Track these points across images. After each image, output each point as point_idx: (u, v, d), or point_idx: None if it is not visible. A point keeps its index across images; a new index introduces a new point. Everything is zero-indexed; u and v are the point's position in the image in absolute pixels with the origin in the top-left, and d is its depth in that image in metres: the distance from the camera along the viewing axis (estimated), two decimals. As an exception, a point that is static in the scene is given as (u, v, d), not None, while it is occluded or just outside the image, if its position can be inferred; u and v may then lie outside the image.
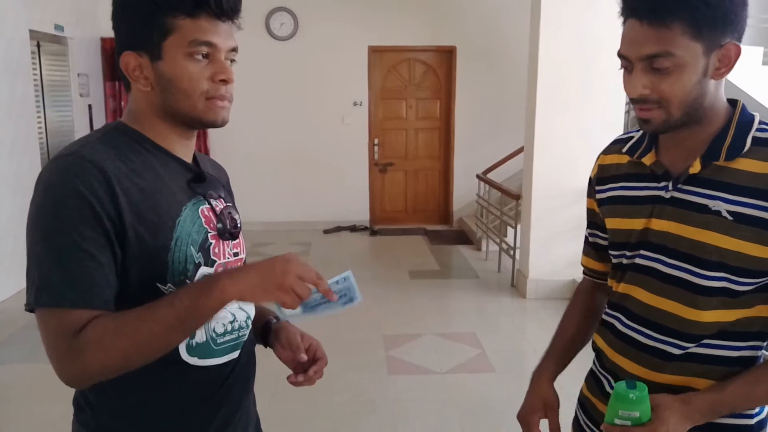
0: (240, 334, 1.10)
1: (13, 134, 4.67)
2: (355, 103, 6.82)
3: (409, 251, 6.08)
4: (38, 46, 5.10)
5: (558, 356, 1.30)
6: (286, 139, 6.79)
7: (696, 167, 1.04)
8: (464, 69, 6.78)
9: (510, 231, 5.22)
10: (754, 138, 1.02)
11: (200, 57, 0.98)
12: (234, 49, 1.02)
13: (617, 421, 0.97)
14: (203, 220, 1.04)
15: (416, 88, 6.95)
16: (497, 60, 6.65)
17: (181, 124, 1.03)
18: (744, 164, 1.01)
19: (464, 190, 6.90)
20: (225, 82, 1.00)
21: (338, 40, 6.63)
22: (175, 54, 0.97)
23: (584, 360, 1.30)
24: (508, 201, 5.42)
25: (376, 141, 6.99)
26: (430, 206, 7.23)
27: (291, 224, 6.85)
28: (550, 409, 1.24)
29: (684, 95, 0.99)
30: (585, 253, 1.33)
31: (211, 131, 6.58)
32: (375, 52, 6.75)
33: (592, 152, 1.22)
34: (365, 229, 6.94)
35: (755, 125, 1.04)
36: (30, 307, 0.91)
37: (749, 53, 4.69)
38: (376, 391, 3.18)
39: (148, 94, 1.00)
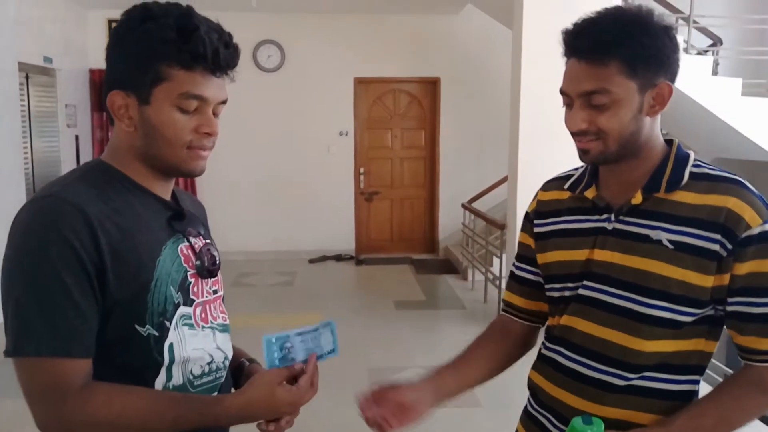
0: (218, 375, 1.08)
1: (-1, 164, 4.65)
2: (341, 133, 6.86)
3: (395, 281, 6.05)
4: (27, 77, 5.13)
5: (445, 381, 1.26)
6: (272, 168, 6.79)
7: (638, 198, 1.08)
8: (448, 99, 6.86)
9: (495, 261, 5.22)
10: (690, 173, 1.07)
11: (190, 109, 0.97)
12: (223, 102, 1.02)
13: None
14: (182, 258, 1.03)
15: (401, 118, 7.01)
16: (481, 90, 6.74)
17: (158, 169, 1.02)
18: (682, 196, 1.05)
19: (450, 219, 6.92)
20: (209, 135, 1.00)
21: (324, 72, 6.69)
22: (163, 102, 0.96)
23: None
24: (494, 230, 5.44)
25: (361, 170, 7.01)
26: (415, 235, 7.23)
27: (276, 254, 6.81)
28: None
29: (620, 129, 1.04)
30: (508, 288, 1.33)
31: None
32: (360, 83, 6.81)
33: None
34: (351, 258, 6.91)
35: (691, 161, 1.09)
36: (8, 354, 0.89)
37: (728, 84, 4.80)
38: (362, 426, 3.12)
39: (131, 134, 1.00)
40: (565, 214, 1.18)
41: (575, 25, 1.06)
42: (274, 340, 1.01)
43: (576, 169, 1.22)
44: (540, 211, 1.24)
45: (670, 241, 1.03)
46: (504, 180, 5.59)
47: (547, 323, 1.23)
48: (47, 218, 0.89)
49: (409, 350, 4.19)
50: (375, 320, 4.78)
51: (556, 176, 1.27)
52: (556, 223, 1.19)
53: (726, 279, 1.01)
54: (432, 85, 6.90)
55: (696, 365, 1.08)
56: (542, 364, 1.21)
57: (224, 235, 6.65)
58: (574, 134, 1.09)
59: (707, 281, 1.01)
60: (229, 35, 1.00)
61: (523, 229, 1.28)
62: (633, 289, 1.06)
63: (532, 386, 1.23)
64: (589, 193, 1.15)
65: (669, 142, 1.12)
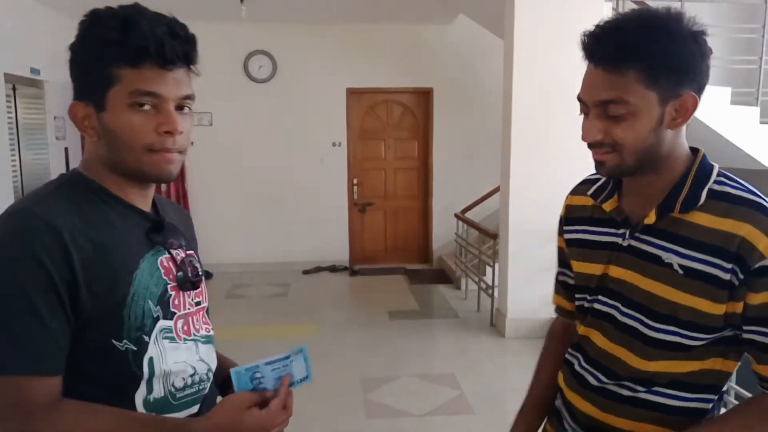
0: (200, 387, 1.06)
1: (-14, 177, 4.62)
2: (333, 144, 6.86)
3: (389, 291, 6.03)
4: (14, 89, 5.09)
5: (532, 415, 1.30)
6: (264, 179, 6.78)
7: (651, 218, 1.04)
8: (441, 110, 6.88)
9: (489, 270, 5.22)
10: (710, 190, 1.01)
11: (145, 108, 0.94)
12: (188, 97, 0.98)
13: None
14: (162, 271, 1.01)
15: (394, 129, 7.03)
16: (474, 100, 6.76)
17: (127, 177, 0.99)
18: (698, 218, 1.00)
19: (443, 229, 6.92)
20: (170, 133, 0.96)
21: (316, 82, 6.70)
22: (117, 105, 0.94)
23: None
24: (487, 240, 5.44)
25: (355, 181, 7.01)
26: (409, 245, 7.22)
27: (270, 265, 6.78)
28: None
29: (637, 142, 0.99)
30: (556, 291, 1.34)
31: (189, 172, 6.57)
32: (353, 93, 6.83)
33: (567, 192, 1.26)
34: (345, 269, 6.89)
35: (713, 177, 1.03)
36: None
37: (717, 93, 4.83)
38: (354, 437, 3.10)
39: (96, 144, 0.98)
40: (587, 224, 1.17)
41: (596, 27, 0.99)
42: (243, 371, 0.99)
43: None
44: (568, 217, 1.23)
45: (681, 266, 1.00)
46: (497, 190, 5.61)
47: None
48: (16, 235, 0.87)
49: (403, 359, 4.17)
50: (369, 330, 4.75)
51: (585, 178, 1.23)
52: (578, 232, 1.19)
53: (739, 307, 0.98)
54: (425, 96, 6.93)
55: (712, 384, 1.06)
56: (564, 365, 1.22)
57: (218, 247, 6.71)
58: (589, 145, 1.04)
59: (719, 309, 0.98)
60: (181, 26, 0.96)
61: (558, 233, 1.28)
62: (641, 310, 1.04)
63: (559, 383, 1.24)
64: (608, 206, 1.11)
65: (696, 151, 1.06)
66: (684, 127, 1.02)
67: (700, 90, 0.99)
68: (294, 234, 6.87)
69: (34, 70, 5.34)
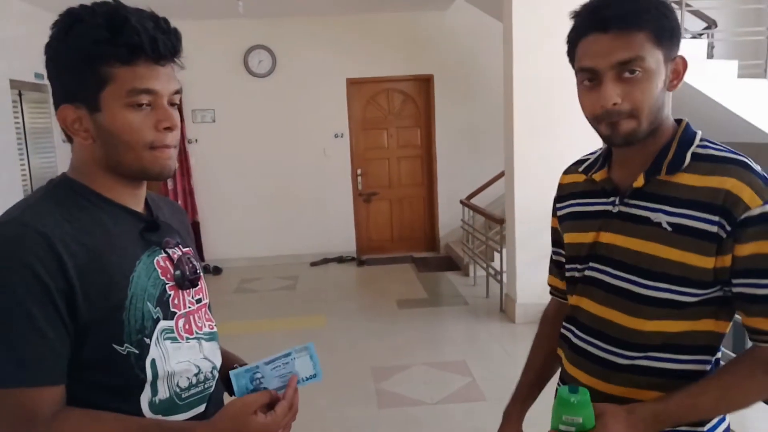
0: (206, 386, 1.06)
1: (-4, 182, 4.67)
2: (336, 135, 6.85)
3: (397, 280, 6.04)
4: (20, 94, 5.15)
5: (525, 393, 1.33)
6: (269, 173, 6.78)
7: (639, 181, 1.08)
8: (442, 96, 6.84)
9: (496, 255, 5.21)
10: (693, 153, 1.05)
11: (142, 106, 0.92)
12: (177, 92, 0.97)
13: (561, 427, 0.97)
14: (159, 271, 1.00)
15: (396, 118, 7.00)
16: (474, 86, 6.72)
17: (125, 176, 0.98)
18: (684, 178, 1.04)
19: (449, 216, 6.91)
20: (170, 129, 0.95)
21: (316, 74, 6.68)
22: (113, 105, 0.92)
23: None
24: (494, 225, 5.43)
25: (359, 171, 7.00)
26: (416, 234, 7.22)
27: (277, 258, 6.80)
28: None
29: (652, 104, 1.03)
30: (549, 272, 1.38)
31: (195, 170, 6.58)
32: (353, 83, 6.80)
33: None
34: (352, 259, 6.90)
35: (696, 141, 1.07)
36: None
37: (725, 67, 4.77)
38: (367, 426, 3.11)
39: (90, 147, 0.96)
40: (579, 197, 1.20)
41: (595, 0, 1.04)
42: (242, 373, 0.98)
43: (593, 152, 1.24)
44: (560, 195, 1.28)
45: (669, 223, 1.03)
46: (501, 174, 5.58)
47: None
48: (8, 245, 0.86)
49: (413, 348, 4.18)
50: (378, 320, 4.76)
51: (577, 160, 1.28)
52: (570, 206, 1.23)
53: (728, 260, 1.00)
54: (425, 83, 6.89)
55: (705, 345, 1.07)
56: (560, 340, 1.25)
57: (225, 243, 6.73)
58: (600, 115, 1.04)
59: (708, 263, 1.00)
60: (165, 20, 0.95)
61: (552, 214, 1.32)
62: (633, 270, 1.07)
63: (559, 358, 1.26)
64: (598, 176, 1.16)
65: (679, 122, 1.11)
66: (670, 94, 1.07)
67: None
68: (300, 227, 6.88)
69: (38, 75, 5.36)
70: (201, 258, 6.44)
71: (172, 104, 0.97)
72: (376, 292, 5.69)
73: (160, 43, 0.91)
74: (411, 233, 7.21)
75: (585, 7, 1.05)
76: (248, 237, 6.81)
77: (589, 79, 1.05)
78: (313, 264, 6.75)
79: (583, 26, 1.04)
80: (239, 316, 4.97)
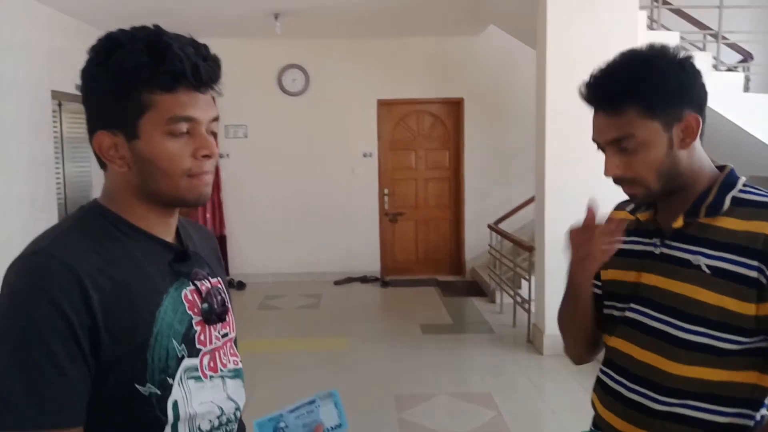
0: (228, 428, 1.01)
1: (31, 190, 4.78)
2: (364, 155, 6.86)
3: (421, 303, 5.98)
4: (59, 105, 5.28)
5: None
6: (297, 190, 6.82)
7: (679, 222, 1.10)
8: (472, 119, 6.82)
9: (524, 283, 5.13)
10: (734, 198, 1.07)
11: (182, 133, 0.91)
12: (215, 119, 0.95)
13: None
14: (187, 306, 0.96)
15: (425, 139, 6.99)
16: (505, 110, 6.69)
17: (160, 204, 0.96)
18: (724, 222, 1.06)
19: (476, 240, 6.85)
20: (208, 157, 0.93)
21: (348, 95, 6.72)
22: (153, 132, 0.90)
23: None
24: (522, 252, 5.35)
25: (386, 191, 6.99)
26: (441, 256, 7.16)
27: (302, 275, 6.80)
28: None
29: (655, 169, 1.06)
30: None
31: (225, 183, 6.64)
32: (384, 104, 6.82)
33: (604, 203, 1.29)
34: (376, 280, 6.87)
35: (738, 186, 1.09)
36: None
37: (761, 100, 4.69)
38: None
39: (125, 174, 0.93)
40: (624, 235, 1.21)
41: (590, 77, 1.10)
42: (266, 422, 0.94)
43: None
44: None
45: (708, 266, 1.04)
46: (531, 200, 5.51)
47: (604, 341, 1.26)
48: (33, 278, 0.84)
49: (437, 376, 4.11)
50: (401, 345, 4.71)
51: (627, 199, 1.30)
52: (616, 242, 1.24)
53: None
54: (455, 106, 6.88)
55: (748, 398, 1.05)
56: (596, 385, 1.24)
57: (250, 257, 6.76)
58: (614, 180, 1.12)
59: (748, 309, 0.99)
60: (205, 47, 0.92)
61: None
62: (671, 313, 1.07)
63: (593, 405, 1.25)
64: (643, 216, 1.18)
65: (723, 168, 1.13)
66: (696, 145, 1.09)
67: (701, 108, 1.08)
68: (325, 244, 6.88)
69: (78, 87, 5.51)
70: (226, 272, 6.45)
71: (210, 131, 0.95)
72: (399, 315, 5.64)
73: (202, 70, 0.90)
74: (436, 255, 7.16)
75: (585, 83, 1.11)
76: (274, 252, 6.83)
77: (598, 148, 1.13)
78: (337, 283, 6.73)
79: (585, 102, 1.11)
80: (261, 333, 4.96)
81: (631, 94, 1.04)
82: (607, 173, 1.10)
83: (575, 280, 1.19)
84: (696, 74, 1.07)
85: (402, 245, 7.14)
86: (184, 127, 0.90)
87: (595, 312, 1.25)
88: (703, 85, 1.08)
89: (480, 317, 5.54)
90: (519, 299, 5.14)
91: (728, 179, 1.09)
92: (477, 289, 6.48)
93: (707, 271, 1.03)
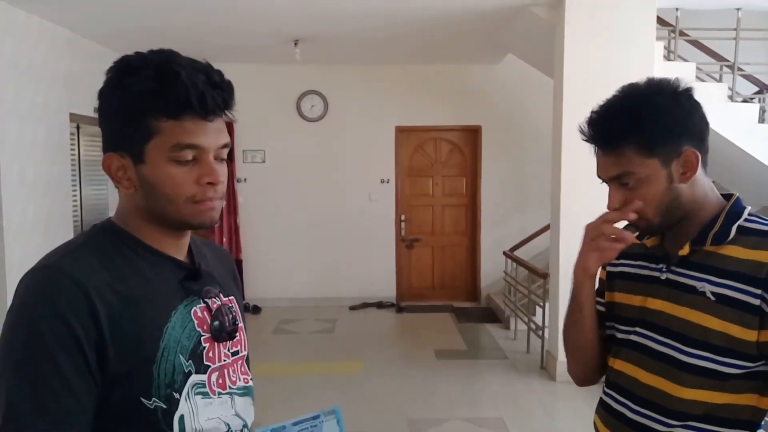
0: None
1: (48, 212, 4.82)
2: (382, 181, 6.93)
3: (436, 329, 5.97)
4: (78, 127, 5.36)
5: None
6: (314, 215, 6.89)
7: (685, 250, 1.12)
8: (490, 147, 6.87)
9: (538, 310, 5.11)
10: (740, 227, 1.09)
11: (187, 160, 0.91)
12: (225, 146, 0.95)
13: None
14: (196, 322, 0.97)
15: (442, 166, 7.05)
16: (522, 138, 6.74)
17: (166, 226, 0.97)
18: (729, 250, 1.08)
19: (492, 267, 6.84)
20: (212, 184, 0.93)
21: (366, 121, 6.82)
22: (157, 158, 0.91)
23: None
24: (537, 279, 5.34)
25: (402, 217, 7.04)
26: (457, 283, 7.16)
27: (317, 300, 6.83)
28: None
29: (656, 203, 1.10)
30: None
31: (242, 208, 6.73)
32: (402, 131, 6.91)
33: None
34: (392, 305, 6.87)
35: (744, 215, 1.11)
36: None
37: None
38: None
39: (133, 195, 0.95)
40: (632, 258, 1.24)
41: (589, 118, 1.13)
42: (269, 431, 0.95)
43: None
44: None
45: (713, 293, 1.06)
46: (546, 228, 5.52)
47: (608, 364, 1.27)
48: (41, 292, 0.85)
49: (450, 401, 4.09)
50: (415, 370, 4.70)
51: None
52: (624, 266, 1.26)
53: None
54: (473, 133, 6.95)
55: (747, 420, 1.07)
56: (599, 406, 1.26)
57: (266, 282, 6.80)
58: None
59: (750, 335, 1.02)
60: (219, 73, 0.93)
61: (601, 266, 1.34)
62: (675, 337, 1.10)
63: (595, 427, 1.27)
64: (650, 242, 1.20)
65: (729, 197, 1.16)
66: (699, 178, 1.11)
67: (701, 140, 1.10)
68: (341, 269, 6.91)
69: (96, 110, 5.62)
70: (242, 295, 6.47)
71: (219, 158, 0.95)
72: (414, 341, 5.63)
73: (209, 98, 0.90)
74: (452, 282, 7.16)
75: (586, 120, 1.14)
76: (289, 277, 6.87)
77: (602, 182, 1.17)
78: (352, 308, 6.74)
79: (586, 142, 1.16)
80: (276, 357, 4.98)
81: (628, 134, 1.07)
82: (610, 207, 1.15)
83: (577, 280, 1.22)
84: (694, 107, 1.09)
85: (418, 271, 7.15)
86: (189, 154, 0.91)
87: (599, 329, 1.26)
88: (702, 117, 1.10)
89: (494, 343, 5.52)
90: (533, 326, 5.12)
91: (734, 208, 1.12)
92: (492, 315, 6.45)
93: (712, 297, 1.06)
